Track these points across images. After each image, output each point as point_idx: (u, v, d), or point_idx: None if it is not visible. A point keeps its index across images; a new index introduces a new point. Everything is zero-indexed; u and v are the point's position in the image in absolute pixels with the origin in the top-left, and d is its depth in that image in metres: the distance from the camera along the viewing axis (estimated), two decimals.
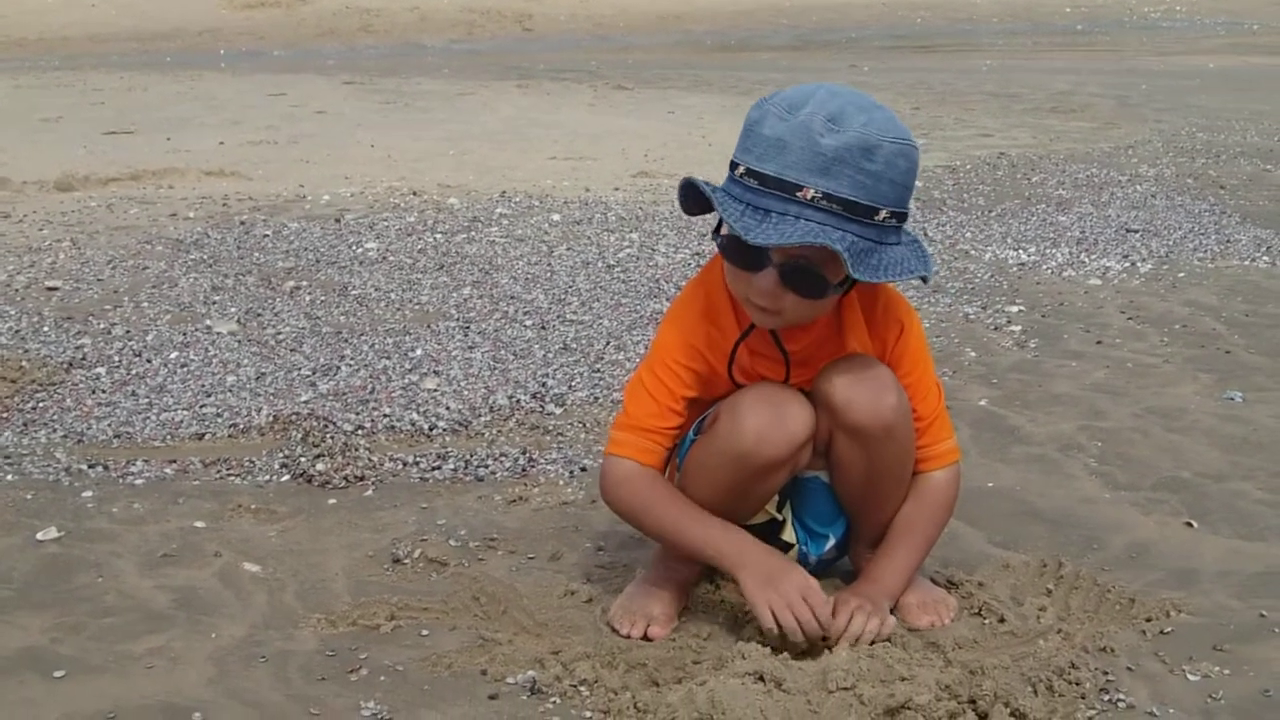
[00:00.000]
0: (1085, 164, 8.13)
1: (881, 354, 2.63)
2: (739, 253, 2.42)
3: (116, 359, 4.37)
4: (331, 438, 3.62)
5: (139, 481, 3.42)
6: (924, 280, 2.46)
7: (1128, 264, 5.69)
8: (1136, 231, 6.27)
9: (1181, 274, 5.54)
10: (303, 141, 8.80)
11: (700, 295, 2.62)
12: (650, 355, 2.65)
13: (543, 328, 4.71)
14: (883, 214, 2.36)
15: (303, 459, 3.50)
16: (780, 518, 2.73)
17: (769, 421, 2.51)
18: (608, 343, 4.54)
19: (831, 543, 2.78)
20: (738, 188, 2.38)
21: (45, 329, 4.66)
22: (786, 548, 2.75)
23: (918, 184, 7.21)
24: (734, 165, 2.41)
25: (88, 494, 3.32)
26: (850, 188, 2.31)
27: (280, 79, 12.57)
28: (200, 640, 2.60)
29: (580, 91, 11.76)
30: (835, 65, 14.38)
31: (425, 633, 2.63)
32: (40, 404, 3.98)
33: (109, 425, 3.82)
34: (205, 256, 5.67)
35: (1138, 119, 10.09)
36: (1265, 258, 5.81)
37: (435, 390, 4.09)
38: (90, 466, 3.51)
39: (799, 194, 2.31)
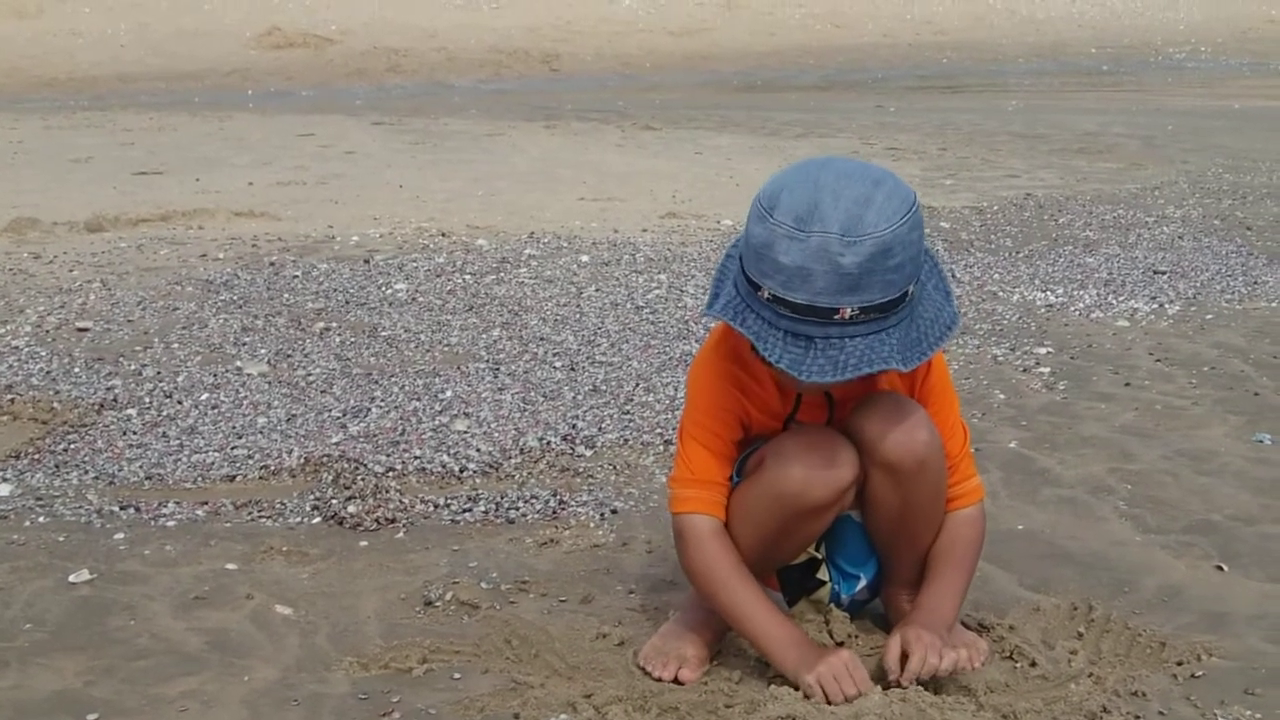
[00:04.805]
0: (1112, 205, 8.13)
1: (909, 393, 2.64)
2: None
3: (147, 400, 4.39)
4: (362, 479, 3.64)
5: (171, 523, 3.44)
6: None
7: (1155, 305, 5.69)
8: (1164, 273, 6.27)
9: (1209, 315, 5.53)
10: (331, 182, 8.85)
11: (728, 340, 2.62)
12: (690, 406, 2.66)
13: (572, 369, 4.73)
14: (910, 290, 2.37)
15: (334, 501, 3.52)
16: (819, 556, 2.74)
17: (816, 466, 2.52)
18: (637, 384, 4.55)
19: (863, 583, 2.79)
20: (768, 311, 2.35)
21: (76, 370, 4.69)
22: (820, 585, 2.75)
23: (944, 225, 7.18)
24: (755, 285, 2.35)
25: (119, 536, 3.33)
26: (880, 291, 2.31)
27: (309, 119, 12.65)
28: (233, 683, 2.61)
29: (608, 132, 11.80)
30: (862, 105, 14.40)
31: (457, 675, 2.64)
32: (71, 445, 4.00)
33: (140, 467, 3.84)
34: (235, 297, 5.71)
35: (1164, 160, 10.08)
36: None
37: (466, 432, 4.10)
38: (122, 508, 3.53)
39: (835, 316, 2.30)
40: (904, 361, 2.34)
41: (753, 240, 2.35)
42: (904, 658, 2.49)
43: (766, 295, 2.33)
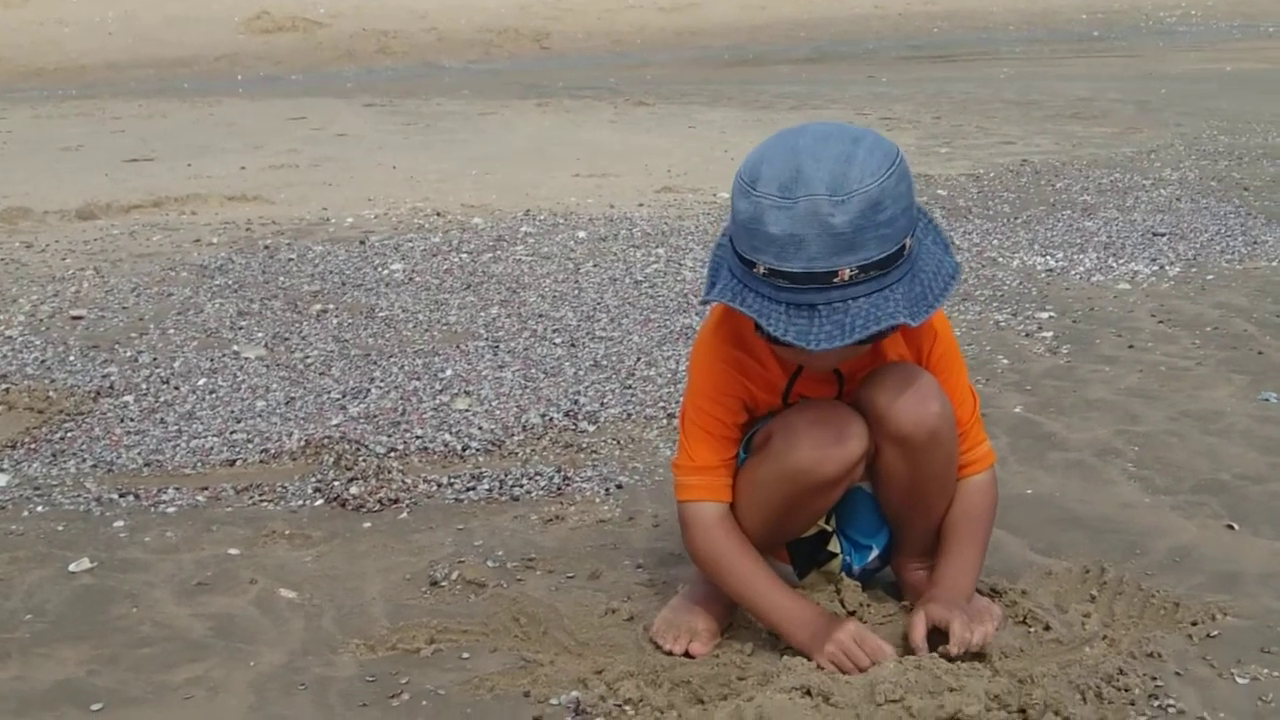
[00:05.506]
0: (1108, 169, 8.09)
1: (918, 361, 2.61)
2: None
3: (144, 387, 4.36)
4: (364, 461, 3.61)
5: (171, 510, 3.41)
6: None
7: (1156, 267, 5.66)
8: (1163, 235, 6.24)
9: (1210, 276, 5.50)
10: (324, 164, 8.80)
11: (727, 323, 2.58)
12: (691, 390, 2.62)
13: (572, 345, 4.70)
14: (907, 244, 2.32)
15: (336, 483, 3.49)
16: (829, 529, 2.71)
17: (827, 440, 2.49)
18: (638, 359, 4.52)
19: (875, 553, 2.76)
20: (765, 286, 2.29)
21: (71, 358, 4.65)
22: (831, 557, 2.73)
23: (942, 192, 7.17)
24: (748, 263, 2.30)
25: (119, 523, 3.31)
26: (877, 247, 2.25)
27: (299, 103, 12.59)
28: (239, 669, 2.59)
29: (600, 109, 11.75)
30: (853, 77, 14.36)
31: (466, 655, 2.61)
32: (68, 434, 3.97)
33: (139, 454, 3.81)
34: (230, 282, 5.67)
35: (1158, 123, 10.05)
36: None
37: (467, 410, 4.07)
38: (121, 495, 3.50)
39: (835, 279, 2.25)
40: (912, 316, 2.28)
41: (740, 217, 2.30)
42: (931, 634, 2.48)
43: (762, 270, 2.28)
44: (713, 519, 2.59)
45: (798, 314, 2.27)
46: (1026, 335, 4.74)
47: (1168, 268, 5.65)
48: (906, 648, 2.48)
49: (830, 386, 2.60)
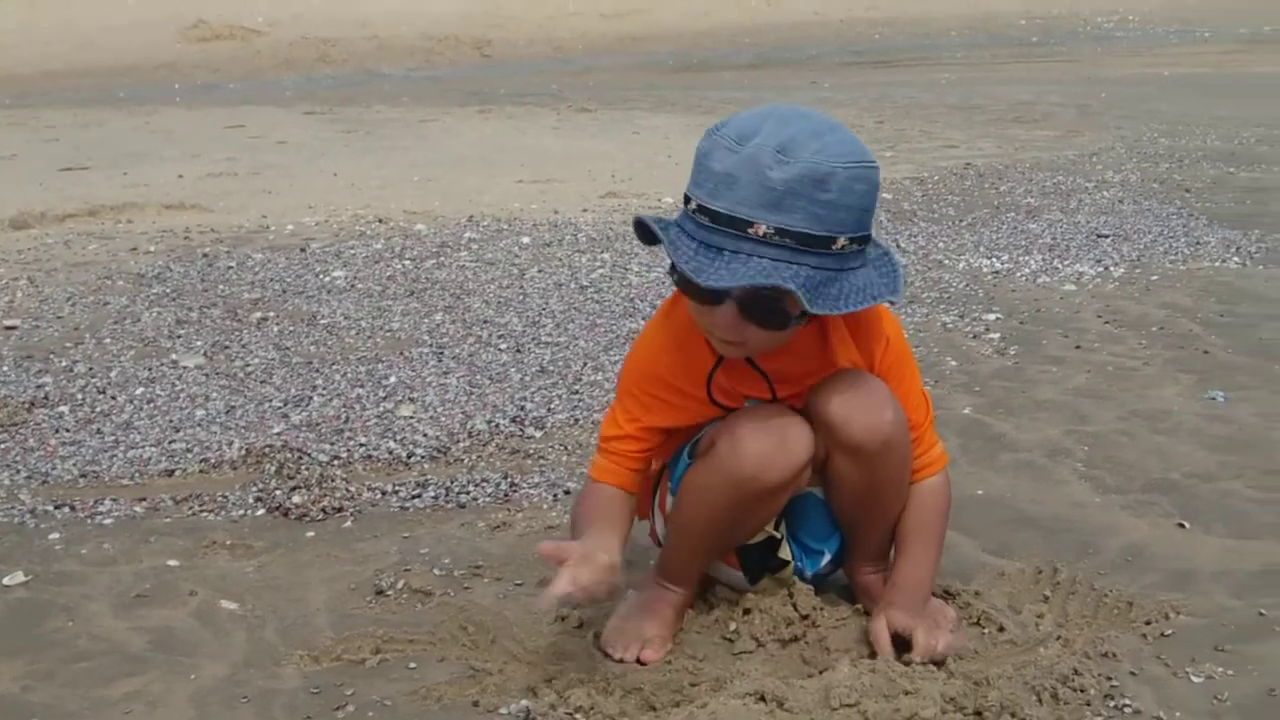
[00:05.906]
0: (1051, 172, 8.13)
1: (870, 367, 2.57)
2: (695, 288, 2.32)
3: (80, 397, 4.28)
4: (307, 469, 3.55)
5: (108, 521, 3.34)
6: (891, 302, 2.38)
7: (1101, 268, 5.67)
8: (1107, 236, 6.26)
9: (1154, 277, 5.52)
10: (264, 172, 8.73)
11: (672, 322, 2.55)
12: (620, 383, 2.62)
13: (518, 351, 4.65)
14: (841, 242, 2.27)
15: (278, 492, 3.43)
16: (778, 535, 2.67)
17: (771, 447, 2.45)
18: (585, 364, 4.48)
19: (827, 558, 2.72)
20: (690, 224, 2.30)
21: (4, 368, 4.56)
22: (783, 565, 2.69)
23: (887, 196, 7.20)
24: (687, 199, 2.32)
25: (55, 536, 3.23)
26: (804, 220, 2.23)
27: (238, 111, 12.50)
28: (179, 682, 2.52)
29: (543, 115, 11.72)
30: (796, 83, 14.39)
31: (413, 665, 2.56)
32: (1, 445, 3.88)
33: (75, 465, 3.72)
34: (168, 290, 5.59)
35: (1099, 126, 10.12)
36: (1235, 258, 5.80)
37: (411, 417, 4.02)
38: (56, 507, 3.42)
39: (750, 230, 2.23)
40: (809, 298, 2.24)
41: (696, 154, 2.32)
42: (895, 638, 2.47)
43: (694, 206, 2.29)
44: (581, 490, 2.58)
45: (704, 252, 2.27)
46: (974, 336, 4.73)
47: (1112, 269, 5.67)
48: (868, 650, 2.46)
49: (759, 384, 2.56)
